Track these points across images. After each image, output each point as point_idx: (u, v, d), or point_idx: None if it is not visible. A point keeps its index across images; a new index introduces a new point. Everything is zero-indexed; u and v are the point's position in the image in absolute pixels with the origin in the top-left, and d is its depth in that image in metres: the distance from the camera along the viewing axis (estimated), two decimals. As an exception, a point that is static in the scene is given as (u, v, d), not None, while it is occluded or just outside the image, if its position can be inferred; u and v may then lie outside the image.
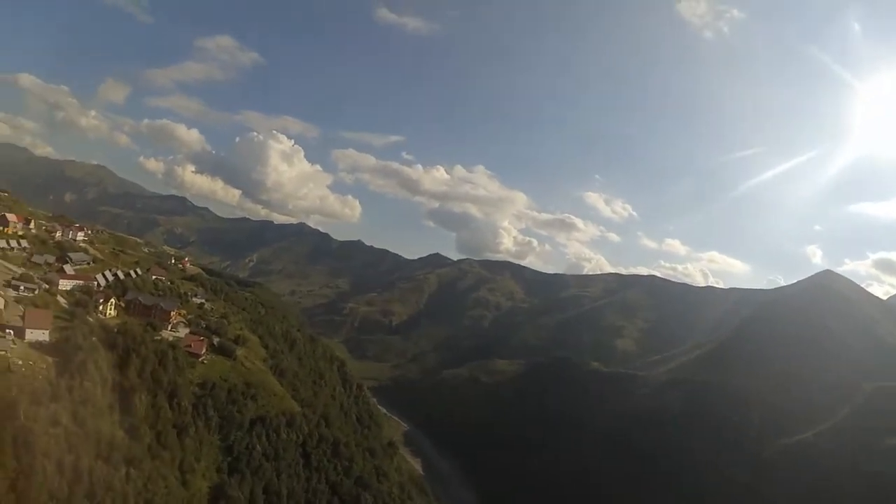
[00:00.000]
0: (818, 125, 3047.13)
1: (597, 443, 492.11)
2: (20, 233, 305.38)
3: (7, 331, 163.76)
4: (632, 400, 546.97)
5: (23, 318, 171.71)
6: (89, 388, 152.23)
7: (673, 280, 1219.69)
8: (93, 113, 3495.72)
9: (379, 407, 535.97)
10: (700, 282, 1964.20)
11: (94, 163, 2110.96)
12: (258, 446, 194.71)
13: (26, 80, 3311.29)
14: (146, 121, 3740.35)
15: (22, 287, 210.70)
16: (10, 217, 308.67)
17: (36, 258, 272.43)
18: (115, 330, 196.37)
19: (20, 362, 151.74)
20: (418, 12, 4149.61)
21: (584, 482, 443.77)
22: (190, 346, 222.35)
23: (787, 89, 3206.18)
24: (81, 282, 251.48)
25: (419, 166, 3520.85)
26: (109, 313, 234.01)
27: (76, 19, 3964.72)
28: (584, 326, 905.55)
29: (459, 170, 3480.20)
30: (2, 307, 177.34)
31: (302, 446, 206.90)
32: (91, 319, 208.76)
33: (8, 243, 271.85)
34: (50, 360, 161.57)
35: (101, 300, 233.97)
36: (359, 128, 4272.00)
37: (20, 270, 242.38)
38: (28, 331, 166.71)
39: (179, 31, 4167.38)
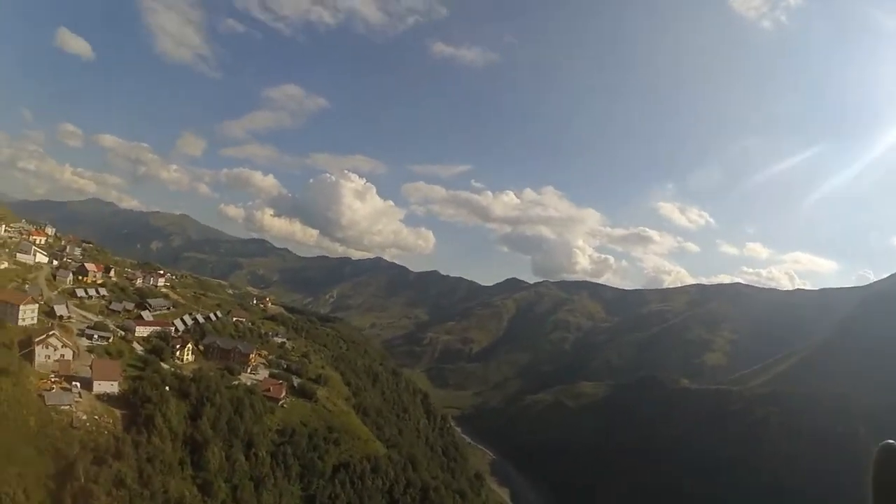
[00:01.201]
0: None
1: (693, 463, 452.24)
2: (100, 281, 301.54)
3: (74, 383, 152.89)
4: (726, 417, 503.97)
5: (91, 368, 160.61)
6: (157, 443, 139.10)
7: (758, 286, 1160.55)
8: (173, 166, 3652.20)
9: (463, 437, 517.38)
10: (787, 285, 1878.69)
11: (178, 212, 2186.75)
12: (342, 495, 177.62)
13: (108, 140, 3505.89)
14: (224, 170, 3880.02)
15: (96, 335, 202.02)
16: (90, 266, 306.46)
17: (114, 305, 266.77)
18: (190, 377, 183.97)
19: (84, 417, 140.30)
20: (475, 43, 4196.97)
21: (681, 501, 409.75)
22: (269, 389, 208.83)
23: (857, 73, 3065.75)
24: (159, 327, 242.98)
25: (489, 193, 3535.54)
26: (186, 358, 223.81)
27: (151, 81, 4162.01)
28: (670, 342, 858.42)
29: (529, 193, 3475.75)
30: (70, 358, 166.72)
31: (388, 493, 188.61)
32: (166, 366, 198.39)
33: (87, 292, 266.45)
34: (117, 412, 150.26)
35: (179, 346, 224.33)
36: (427, 160, 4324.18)
37: (97, 318, 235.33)
38: (96, 382, 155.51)
39: (247, 83, 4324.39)
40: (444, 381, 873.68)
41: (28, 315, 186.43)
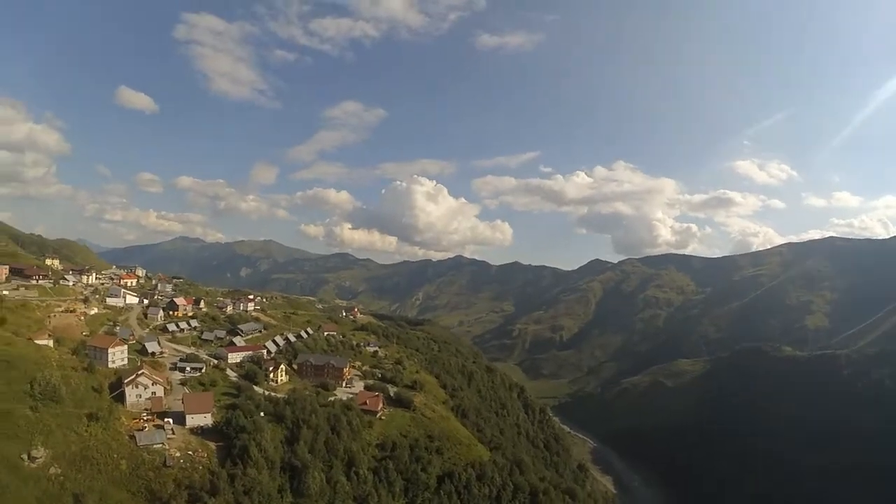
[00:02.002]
0: None
1: (807, 436, 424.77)
2: (190, 314, 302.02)
3: (166, 420, 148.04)
4: (837, 382, 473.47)
5: (183, 402, 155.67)
6: (254, 474, 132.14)
7: (852, 238, 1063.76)
8: (250, 196, 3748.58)
9: (563, 427, 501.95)
10: (882, 233, 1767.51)
11: (261, 239, 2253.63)
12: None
13: (185, 181, 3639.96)
14: (298, 193, 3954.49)
15: (188, 368, 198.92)
16: (179, 301, 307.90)
17: (206, 335, 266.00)
18: (284, 400, 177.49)
19: (178, 454, 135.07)
20: (517, 27, 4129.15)
21: (797, 478, 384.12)
22: (365, 403, 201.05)
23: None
24: (251, 352, 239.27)
25: (559, 176, 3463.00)
26: (280, 379, 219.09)
27: (216, 120, 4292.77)
28: (767, 309, 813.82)
29: (600, 170, 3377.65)
30: (162, 394, 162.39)
31: (496, 499, 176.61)
32: (260, 390, 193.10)
33: (178, 326, 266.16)
34: (212, 445, 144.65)
35: (271, 368, 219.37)
36: (492, 153, 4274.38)
37: (189, 350, 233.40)
38: (189, 416, 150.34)
39: (307, 107, 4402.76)
40: (538, 372, 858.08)
41: (118, 357, 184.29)
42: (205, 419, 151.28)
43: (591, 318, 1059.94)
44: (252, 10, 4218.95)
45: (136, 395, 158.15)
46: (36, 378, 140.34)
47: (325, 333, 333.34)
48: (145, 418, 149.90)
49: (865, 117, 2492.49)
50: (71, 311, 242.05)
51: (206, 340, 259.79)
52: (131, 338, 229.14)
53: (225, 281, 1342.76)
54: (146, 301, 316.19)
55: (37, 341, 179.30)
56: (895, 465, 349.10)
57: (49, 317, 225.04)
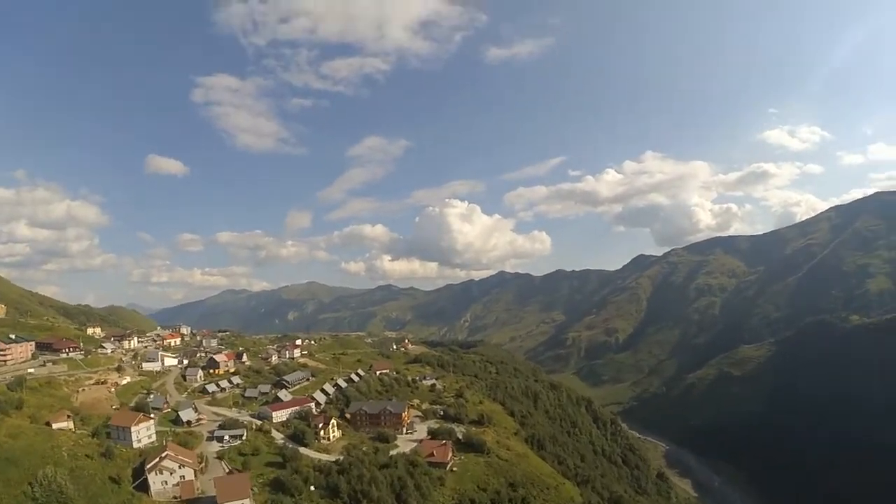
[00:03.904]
0: None
1: (882, 411, 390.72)
2: (232, 370, 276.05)
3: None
4: None
5: (216, 487, 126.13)
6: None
7: None
8: (289, 242, 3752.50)
9: (631, 432, 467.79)
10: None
11: (305, 282, 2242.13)
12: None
13: (225, 236, 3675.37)
14: (335, 232, 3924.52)
15: (226, 437, 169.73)
16: (220, 358, 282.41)
17: (249, 392, 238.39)
18: (337, 469, 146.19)
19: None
20: (524, 36, 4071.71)
21: (887, 462, 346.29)
22: (432, 454, 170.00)
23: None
24: (297, 407, 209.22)
25: (589, 177, 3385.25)
26: (332, 436, 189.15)
27: (245, 173, 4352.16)
28: (826, 278, 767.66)
29: (629, 164, 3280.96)
30: (192, 476, 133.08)
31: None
32: (309, 452, 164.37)
33: (218, 386, 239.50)
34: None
35: (321, 423, 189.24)
36: (519, 165, 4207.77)
37: (230, 413, 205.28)
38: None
39: (331, 148, 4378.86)
40: (598, 378, 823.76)
41: (143, 435, 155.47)
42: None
43: (644, 316, 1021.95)
44: (263, 65, 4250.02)
45: (162, 483, 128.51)
46: (37, 477, 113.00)
47: (378, 373, 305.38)
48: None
49: (889, 60, 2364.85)
50: (102, 383, 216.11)
51: (250, 398, 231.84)
52: (165, 406, 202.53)
53: (273, 327, 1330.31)
54: (185, 361, 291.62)
55: (55, 425, 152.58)
56: None
57: (77, 392, 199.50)
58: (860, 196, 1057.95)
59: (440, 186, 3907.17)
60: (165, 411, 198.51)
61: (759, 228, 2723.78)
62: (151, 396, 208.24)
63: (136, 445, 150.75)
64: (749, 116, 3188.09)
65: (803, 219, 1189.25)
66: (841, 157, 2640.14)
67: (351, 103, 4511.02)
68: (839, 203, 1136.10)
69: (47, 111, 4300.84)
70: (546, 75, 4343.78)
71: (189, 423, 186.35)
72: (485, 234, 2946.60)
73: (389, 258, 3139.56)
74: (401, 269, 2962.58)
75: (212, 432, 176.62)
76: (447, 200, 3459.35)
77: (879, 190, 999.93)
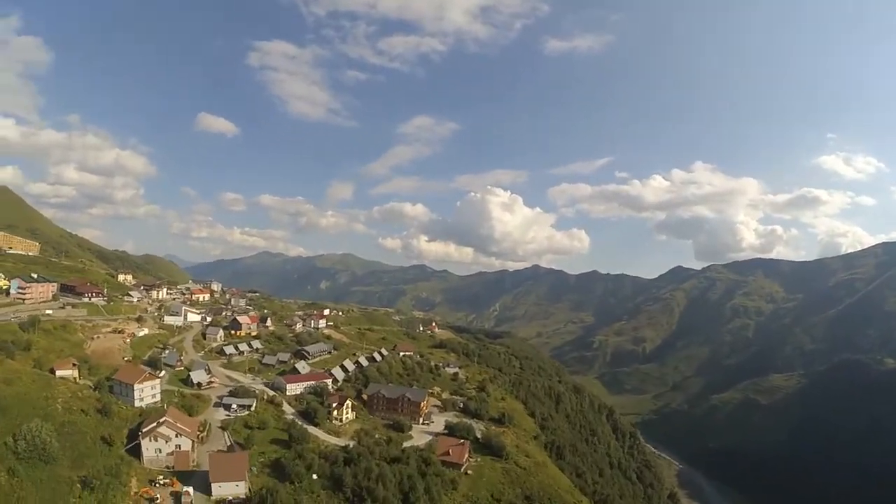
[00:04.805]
0: None
1: None
2: (254, 333, 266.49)
3: (186, 490, 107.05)
4: None
5: (210, 464, 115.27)
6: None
7: None
8: (329, 212, 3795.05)
9: (647, 445, 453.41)
10: None
11: (340, 252, 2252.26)
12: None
13: (267, 199, 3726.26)
14: (375, 207, 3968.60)
15: (234, 405, 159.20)
16: (243, 320, 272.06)
17: (267, 359, 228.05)
18: (343, 457, 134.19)
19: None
20: (585, 30, 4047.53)
21: None
22: (448, 453, 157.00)
23: None
24: (314, 381, 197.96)
25: (636, 181, 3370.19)
26: (346, 417, 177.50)
27: (294, 140, 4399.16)
28: (865, 315, 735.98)
29: (677, 173, 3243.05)
30: (189, 447, 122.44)
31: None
32: (319, 433, 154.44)
33: (237, 348, 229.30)
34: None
35: (336, 403, 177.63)
36: (566, 160, 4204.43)
37: (243, 379, 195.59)
38: (215, 484, 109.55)
39: (380, 124, 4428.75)
40: (620, 386, 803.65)
41: (146, 394, 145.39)
42: (236, 488, 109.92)
43: (675, 329, 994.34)
44: (322, 34, 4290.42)
45: (156, 450, 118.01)
46: (21, 430, 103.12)
47: (402, 354, 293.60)
48: (162, 482, 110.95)
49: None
50: (119, 332, 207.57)
51: (268, 365, 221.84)
52: (179, 364, 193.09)
53: (305, 293, 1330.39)
54: (209, 319, 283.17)
55: (58, 373, 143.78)
56: None
57: (91, 339, 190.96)
58: None
59: (484, 173, 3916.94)
60: (178, 369, 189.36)
61: (803, 255, 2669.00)
62: (166, 352, 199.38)
63: (137, 404, 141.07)
64: (806, 138, 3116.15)
65: (849, 251, 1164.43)
66: (895, 192, 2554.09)
67: (404, 81, 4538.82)
68: (888, 240, 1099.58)
69: (105, 59, 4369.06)
70: (603, 72, 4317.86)
71: (200, 385, 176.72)
72: (524, 226, 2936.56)
73: (426, 238, 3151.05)
74: (436, 251, 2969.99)
75: (221, 398, 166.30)
76: (490, 188, 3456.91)
77: None
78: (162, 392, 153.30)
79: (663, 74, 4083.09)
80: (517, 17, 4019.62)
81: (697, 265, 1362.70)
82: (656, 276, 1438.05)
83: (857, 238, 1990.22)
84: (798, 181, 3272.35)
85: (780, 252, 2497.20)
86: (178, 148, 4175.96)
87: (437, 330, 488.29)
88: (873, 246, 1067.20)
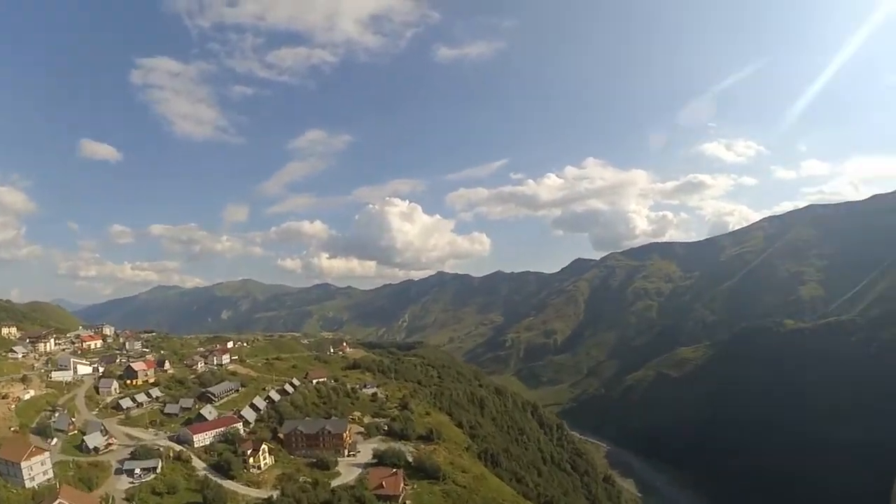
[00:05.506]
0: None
1: (827, 407, 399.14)
2: (151, 380, 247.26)
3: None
4: (848, 349, 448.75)
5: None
6: None
7: (830, 203, 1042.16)
8: (224, 237, 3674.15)
9: (573, 433, 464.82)
10: (854, 195, 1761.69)
11: (240, 279, 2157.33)
12: None
13: (157, 229, 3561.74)
14: (272, 228, 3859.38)
15: (137, 470, 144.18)
16: (138, 366, 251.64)
17: (170, 408, 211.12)
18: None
19: None
20: (476, 36, 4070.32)
21: (821, 459, 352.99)
22: (381, 485, 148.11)
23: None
24: (223, 427, 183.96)
25: (531, 181, 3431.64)
26: (264, 464, 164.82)
27: (182, 163, 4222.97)
28: (758, 285, 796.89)
29: (570, 170, 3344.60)
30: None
31: None
32: (237, 487, 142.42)
33: (134, 400, 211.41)
34: None
35: (250, 450, 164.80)
36: (461, 166, 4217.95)
37: (145, 435, 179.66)
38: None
39: (271, 140, 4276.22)
40: (537, 380, 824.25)
41: (38, 471, 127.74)
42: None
43: (583, 319, 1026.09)
44: (207, 48, 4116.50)
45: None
46: None
47: (315, 381, 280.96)
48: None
49: (825, 83, 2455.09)
50: (3, 398, 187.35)
51: (170, 415, 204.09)
52: (71, 427, 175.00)
53: (206, 326, 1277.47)
54: (101, 369, 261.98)
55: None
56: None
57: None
58: (792, 208, 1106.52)
59: (382, 184, 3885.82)
60: (72, 433, 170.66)
61: (693, 236, 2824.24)
62: (56, 415, 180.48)
63: (28, 485, 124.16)
64: (690, 128, 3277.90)
65: (736, 228, 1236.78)
66: (775, 171, 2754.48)
67: (294, 94, 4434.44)
68: (772, 214, 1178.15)
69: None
70: (494, 78, 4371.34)
71: (97, 449, 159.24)
72: (425, 234, 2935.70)
73: (327, 256, 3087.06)
74: (339, 267, 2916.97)
75: (122, 462, 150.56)
76: (388, 199, 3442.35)
77: (811, 203, 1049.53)
78: (55, 465, 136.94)
79: (552, 77, 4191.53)
80: (408, 26, 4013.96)
81: (596, 255, 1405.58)
82: (558, 270, 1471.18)
83: (742, 216, 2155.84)
84: (684, 169, 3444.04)
85: (672, 235, 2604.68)
86: (60, 179, 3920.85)
87: (348, 350, 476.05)
88: (759, 221, 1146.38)
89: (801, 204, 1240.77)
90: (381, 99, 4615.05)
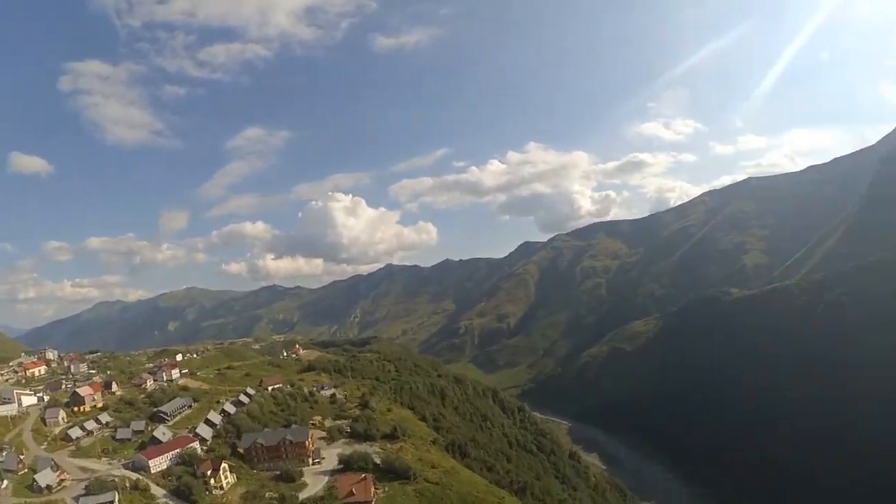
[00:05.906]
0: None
1: (779, 373, 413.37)
2: (100, 405, 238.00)
3: None
4: (794, 314, 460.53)
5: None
6: None
7: (768, 175, 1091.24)
8: (165, 245, 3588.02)
9: (535, 414, 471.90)
10: (791, 167, 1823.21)
11: (184, 287, 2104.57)
12: None
13: (95, 242, 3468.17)
14: (214, 232, 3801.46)
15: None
16: (84, 392, 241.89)
17: (121, 432, 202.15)
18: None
19: None
20: (413, 25, 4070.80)
21: (781, 418, 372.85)
22: (352, 492, 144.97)
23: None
24: (179, 448, 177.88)
25: (474, 168, 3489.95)
26: (226, 483, 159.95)
27: (117, 171, 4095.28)
28: (703, 257, 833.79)
29: (513, 155, 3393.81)
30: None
31: None
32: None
33: (83, 428, 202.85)
34: None
35: (211, 470, 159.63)
36: (404, 156, 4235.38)
37: (98, 465, 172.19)
38: None
39: (208, 141, 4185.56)
40: (494, 365, 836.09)
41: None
42: None
43: (534, 300, 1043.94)
44: (136, 48, 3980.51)
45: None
46: None
47: (270, 388, 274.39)
48: None
49: (757, 55, 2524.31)
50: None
51: (123, 440, 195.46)
52: (20, 466, 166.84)
53: (154, 340, 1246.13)
54: (46, 398, 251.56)
55: None
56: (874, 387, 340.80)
57: None
58: (731, 182, 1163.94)
59: (324, 180, 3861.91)
60: (21, 473, 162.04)
61: (636, 213, 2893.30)
62: (4, 454, 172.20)
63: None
64: (627, 109, 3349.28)
65: (678, 203, 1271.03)
66: (713, 147, 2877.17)
67: (229, 92, 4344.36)
68: (711, 188, 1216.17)
69: None
70: (433, 66, 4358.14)
71: (49, 488, 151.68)
72: (371, 228, 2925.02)
73: (272, 257, 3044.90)
74: (285, 268, 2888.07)
75: (77, 499, 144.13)
76: (331, 194, 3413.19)
77: (750, 175, 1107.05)
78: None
79: (492, 62, 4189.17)
80: (343, 17, 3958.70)
81: (543, 237, 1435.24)
82: (507, 255, 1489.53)
83: (683, 191, 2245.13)
84: (625, 148, 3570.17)
85: (616, 214, 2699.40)
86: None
87: (302, 351, 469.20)
88: (700, 195, 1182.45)
89: (740, 177, 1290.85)
90: (319, 92, 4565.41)
